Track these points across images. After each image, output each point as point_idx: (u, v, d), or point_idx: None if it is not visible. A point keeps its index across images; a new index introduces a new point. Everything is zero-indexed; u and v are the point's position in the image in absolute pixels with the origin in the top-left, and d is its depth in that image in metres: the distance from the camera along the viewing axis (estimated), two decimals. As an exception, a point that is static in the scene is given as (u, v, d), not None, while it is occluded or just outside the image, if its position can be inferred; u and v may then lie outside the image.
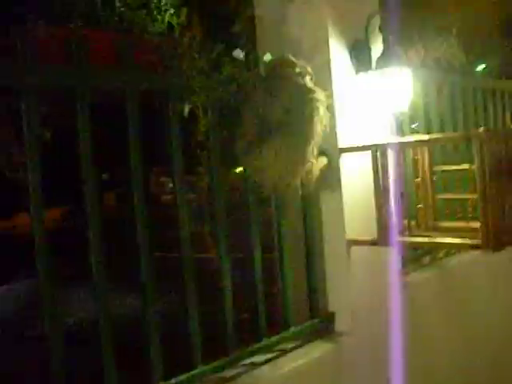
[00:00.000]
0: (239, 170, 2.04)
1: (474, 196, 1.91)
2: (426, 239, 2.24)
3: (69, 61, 1.48)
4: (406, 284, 2.51)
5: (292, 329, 2.11)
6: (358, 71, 2.32)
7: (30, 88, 1.40)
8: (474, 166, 1.85)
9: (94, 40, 1.50)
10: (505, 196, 1.87)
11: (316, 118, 1.80)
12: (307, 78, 1.88)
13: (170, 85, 1.73)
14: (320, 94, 1.85)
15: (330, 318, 2.24)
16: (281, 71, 1.84)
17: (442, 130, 2.94)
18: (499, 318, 3.37)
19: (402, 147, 2.26)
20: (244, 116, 1.85)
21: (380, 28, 2.34)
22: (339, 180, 2.20)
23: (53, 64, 1.45)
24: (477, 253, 2.26)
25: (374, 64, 2.31)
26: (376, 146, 2.11)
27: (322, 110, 1.82)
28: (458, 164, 2.63)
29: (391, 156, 2.14)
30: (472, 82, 3.43)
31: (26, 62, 1.37)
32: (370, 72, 2.29)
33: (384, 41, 2.32)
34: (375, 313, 2.26)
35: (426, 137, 2.38)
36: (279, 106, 1.77)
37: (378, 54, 2.31)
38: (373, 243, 2.13)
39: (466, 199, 2.63)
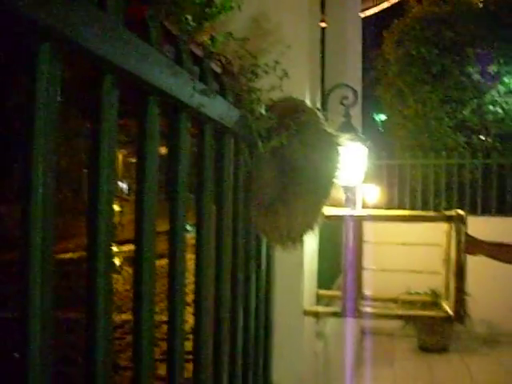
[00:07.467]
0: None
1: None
2: (396, 311, 2.31)
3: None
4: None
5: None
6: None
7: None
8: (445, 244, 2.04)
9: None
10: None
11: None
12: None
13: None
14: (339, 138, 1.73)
15: (273, 389, 2.09)
16: (311, 120, 1.69)
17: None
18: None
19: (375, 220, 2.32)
20: (266, 170, 1.66)
21: (341, 101, 2.43)
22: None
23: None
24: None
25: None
26: (350, 216, 2.13)
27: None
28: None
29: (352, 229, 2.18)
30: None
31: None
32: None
33: (345, 115, 2.41)
34: None
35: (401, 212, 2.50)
36: (317, 159, 1.63)
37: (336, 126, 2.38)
38: (334, 314, 2.11)
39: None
